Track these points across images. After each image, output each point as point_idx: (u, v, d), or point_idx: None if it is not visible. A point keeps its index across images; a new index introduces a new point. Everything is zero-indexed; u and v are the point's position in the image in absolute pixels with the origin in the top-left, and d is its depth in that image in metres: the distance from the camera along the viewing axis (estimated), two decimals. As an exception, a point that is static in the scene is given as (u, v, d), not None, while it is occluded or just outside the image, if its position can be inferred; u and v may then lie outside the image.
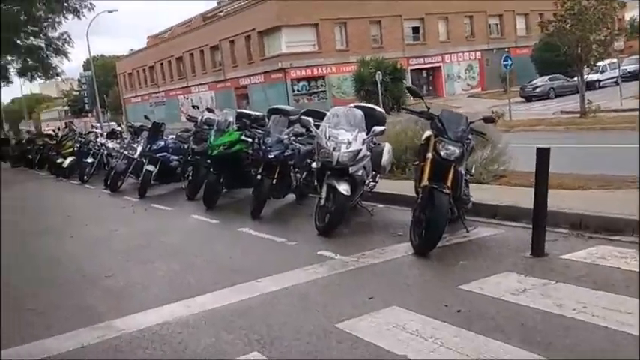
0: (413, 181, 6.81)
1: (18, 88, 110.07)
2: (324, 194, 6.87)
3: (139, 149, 13.08)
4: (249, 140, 9.71)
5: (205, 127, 11.10)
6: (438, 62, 47.73)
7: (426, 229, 5.51)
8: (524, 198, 6.87)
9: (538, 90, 38.87)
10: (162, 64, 57.81)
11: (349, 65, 41.29)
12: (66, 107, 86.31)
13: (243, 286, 5.18)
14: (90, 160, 16.73)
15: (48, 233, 9.13)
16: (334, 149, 6.73)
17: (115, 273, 6.15)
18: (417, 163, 6.07)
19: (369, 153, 7.09)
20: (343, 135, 6.83)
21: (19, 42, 21.73)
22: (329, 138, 6.81)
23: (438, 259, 5.42)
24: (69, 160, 18.20)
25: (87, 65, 57.85)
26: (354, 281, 5.03)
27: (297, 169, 8.95)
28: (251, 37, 43.63)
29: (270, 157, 8.30)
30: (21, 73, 22.32)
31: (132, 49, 68.79)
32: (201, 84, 51.76)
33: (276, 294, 4.88)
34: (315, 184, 7.42)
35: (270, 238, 6.97)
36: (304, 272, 5.37)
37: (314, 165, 7.25)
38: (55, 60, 23.49)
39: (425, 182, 5.60)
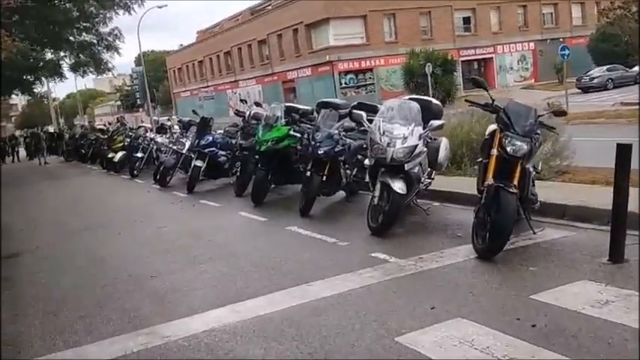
0: (474, 178, 6.37)
1: (73, 83, 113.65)
2: (377, 192, 6.50)
3: (188, 144, 12.99)
4: (298, 135, 9.42)
5: (253, 121, 10.89)
6: (490, 53, 46.44)
7: (490, 231, 5.09)
8: (595, 196, 6.38)
9: (595, 81, 37.25)
10: (210, 58, 58.27)
11: (398, 57, 40.51)
12: (118, 102, 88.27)
13: (294, 290, 4.88)
14: (140, 154, 16.81)
15: (96, 230, 9.07)
16: (389, 145, 6.35)
17: (161, 274, 5.95)
18: (479, 159, 5.63)
19: (425, 149, 6.68)
20: (398, 129, 6.44)
21: (71, 38, 22.06)
22: (383, 133, 6.43)
23: (503, 264, 4.99)
24: (119, 154, 18.38)
25: (138, 61, 58.88)
26: (412, 288, 4.65)
27: (347, 165, 8.61)
28: (298, 30, 43.37)
29: (319, 152, 7.98)
30: (73, 68, 22.70)
31: (181, 45, 69.68)
32: (248, 78, 51.90)
33: (329, 300, 4.55)
34: (368, 181, 7.04)
35: (320, 238, 6.65)
36: (358, 277, 5.03)
37: (366, 162, 6.88)
38: (106, 55, 23.79)
39: (490, 180, 5.17)
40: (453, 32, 44.44)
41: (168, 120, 22.23)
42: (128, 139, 18.15)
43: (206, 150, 11.97)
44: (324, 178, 8.07)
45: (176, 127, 16.45)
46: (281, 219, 8.10)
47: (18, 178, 22.47)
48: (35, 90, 32.07)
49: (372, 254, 5.68)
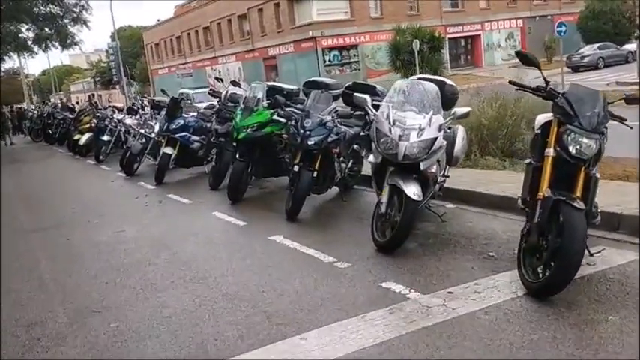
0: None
1: (52, 59, 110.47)
2: (385, 198, 5.13)
3: (157, 127, 11.50)
4: (283, 121, 8.03)
5: (230, 103, 9.44)
6: (477, 31, 45.04)
7: (550, 262, 3.75)
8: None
9: (586, 60, 36.18)
10: (189, 34, 56.08)
11: (384, 34, 39.00)
12: (88, 78, 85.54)
13: (281, 346, 3.53)
14: (106, 137, 15.24)
15: (45, 232, 7.62)
16: (401, 138, 4.98)
17: (107, 307, 4.55)
18: (528, 161, 4.28)
19: (444, 142, 5.31)
20: (412, 119, 5.07)
21: (34, 10, 20.23)
22: (393, 123, 5.05)
23: (568, 308, 3.66)
24: (86, 136, 16.80)
25: (114, 36, 56.58)
26: (450, 350, 3.31)
27: (342, 158, 7.24)
28: (280, 4, 41.46)
29: (310, 143, 6.59)
30: (35, 41, 20.87)
31: (159, 20, 67.15)
32: (228, 54, 49.94)
33: (331, 369, 3.21)
34: (374, 184, 5.67)
35: (313, 254, 5.28)
36: (368, 324, 3.68)
37: (371, 158, 5.48)
38: (73, 29, 21.96)
39: (545, 192, 3.82)
40: (440, 8, 42.91)
41: (142, 97, 20.57)
42: (95, 121, 16.53)
43: (177, 135, 10.49)
44: (315, 174, 6.69)
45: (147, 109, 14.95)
46: (263, 223, 6.72)
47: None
48: (1, 66, 29.95)
49: (383, 284, 4.34)
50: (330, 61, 39.53)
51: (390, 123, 5.05)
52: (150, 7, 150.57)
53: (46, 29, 19.81)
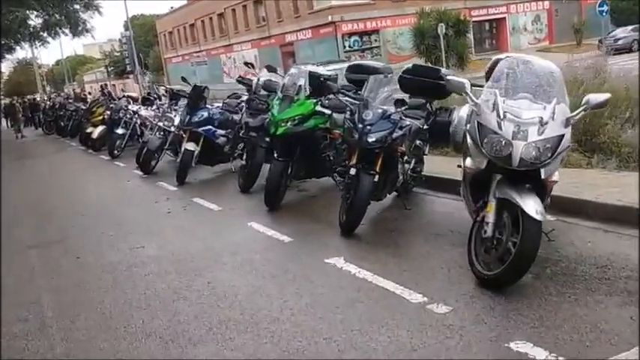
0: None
1: (65, 49, 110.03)
2: (491, 217, 3.84)
3: (177, 120, 10.27)
4: (328, 112, 6.79)
5: (263, 92, 8.18)
6: (503, 13, 43.23)
7: None
8: None
9: (620, 42, 34.22)
10: (203, 21, 54.76)
11: (405, 18, 37.49)
12: (102, 68, 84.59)
13: None
14: (121, 130, 14.07)
15: (48, 247, 6.43)
16: (515, 136, 3.69)
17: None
18: None
19: (570, 141, 4.00)
20: (529, 110, 3.77)
21: (42, -6, 19.06)
22: (504, 116, 3.76)
23: None
24: (99, 129, 15.63)
25: (127, 25, 55.46)
26: None
27: (406, 157, 5.96)
28: (298, -12, 40.06)
29: (371, 140, 5.32)
30: (43, 28, 19.69)
31: (172, 7, 65.82)
32: (244, 42, 48.54)
33: None
34: (468, 197, 4.37)
35: (392, 289, 4.00)
36: None
37: (467, 162, 4.17)
38: (85, 15, 20.75)
39: None
40: (464, -9, 41.19)
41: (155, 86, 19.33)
42: (108, 112, 15.35)
43: (200, 129, 9.27)
44: (377, 177, 5.42)
45: (164, 99, 13.74)
46: (313, 240, 5.49)
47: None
48: (9, 55, 28.86)
49: (512, 345, 3.07)
50: (350, 46, 38.01)
51: (499, 116, 3.75)
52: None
53: (56, 15, 18.61)
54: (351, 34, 38.19)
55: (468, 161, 4.11)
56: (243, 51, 48.89)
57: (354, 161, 5.49)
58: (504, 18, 43.56)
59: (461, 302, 3.68)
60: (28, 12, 18.39)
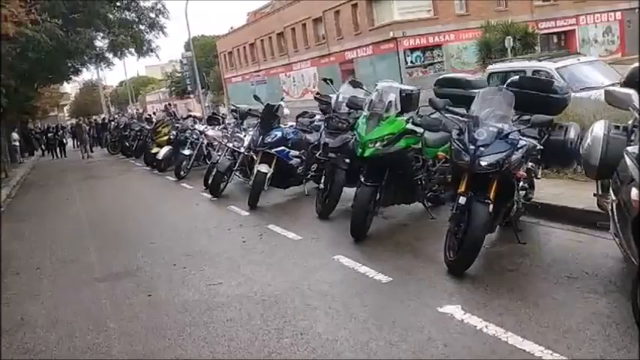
0: None
1: (128, 71, 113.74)
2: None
3: (247, 140, 9.75)
4: (420, 131, 6.08)
5: (344, 110, 7.52)
6: (572, 25, 41.52)
7: None
8: None
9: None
10: (262, 40, 55.03)
11: (469, 32, 36.35)
12: (163, 89, 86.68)
13: None
14: (187, 151, 13.72)
15: (117, 281, 5.90)
16: None
17: None
18: None
19: None
20: None
21: (109, 15, 19.13)
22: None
23: None
24: (164, 150, 15.35)
25: (188, 46, 56.46)
26: None
27: (521, 183, 5.15)
28: (358, 5, 39.49)
29: (484, 164, 4.55)
30: (110, 48, 19.81)
31: (232, 27, 66.76)
32: (303, 60, 48.40)
33: None
34: (629, 237, 3.52)
35: (540, 355, 3.21)
36: None
37: (634, 194, 3.32)
38: (150, 35, 20.77)
39: None
40: (530, 2, 39.78)
41: (216, 106, 19.09)
42: (174, 132, 15.07)
43: (273, 150, 8.68)
44: (491, 206, 4.63)
45: (228, 119, 13.32)
46: (416, 279, 4.73)
47: (52, 175, 19.80)
48: (73, 77, 29.33)
49: None
50: (412, 62, 37.15)
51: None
52: (223, 16, 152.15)
53: (122, 35, 18.65)
54: (413, 50, 37.34)
55: (635, 193, 3.26)
56: (302, 69, 48.78)
57: (463, 188, 4.72)
58: (574, 30, 41.83)
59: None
60: (94, 33, 18.46)
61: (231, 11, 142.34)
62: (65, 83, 47.48)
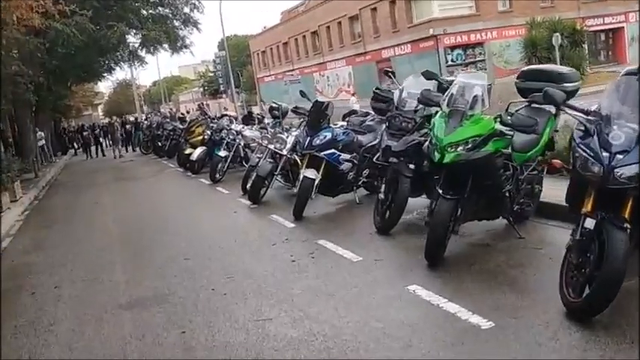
0: None
1: (162, 70, 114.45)
2: None
3: (290, 142, 8.77)
4: (510, 134, 4.99)
5: (409, 108, 6.46)
6: (621, 22, 39.55)
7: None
8: None
9: None
10: (296, 39, 54.19)
11: (513, 29, 35.00)
12: (196, 88, 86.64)
13: None
14: (223, 153, 12.82)
15: (146, 309, 4.93)
16: None
17: None
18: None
19: None
20: None
21: (143, 11, 18.43)
22: None
23: None
24: (198, 151, 14.47)
25: (221, 45, 56.00)
26: None
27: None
28: (396, 2, 38.31)
29: (624, 176, 3.46)
30: (142, 44, 19.09)
31: (265, 27, 66.11)
32: (337, 59, 47.38)
33: None
34: None
35: None
36: None
37: None
38: (184, 32, 20.06)
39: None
40: (577, -2, 38.10)
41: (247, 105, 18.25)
42: (209, 132, 14.17)
43: (322, 153, 7.66)
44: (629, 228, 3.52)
45: (267, 119, 12.35)
46: (527, 326, 3.62)
47: (83, 175, 19.15)
48: (106, 75, 28.89)
49: None
50: (452, 60, 35.81)
51: None
52: (256, 14, 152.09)
53: (155, 31, 17.91)
54: (453, 48, 36.00)
55: None
56: (337, 68, 47.79)
57: (589, 207, 3.62)
58: (622, 27, 39.89)
59: None
60: (127, 29, 17.73)
61: (265, 10, 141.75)
62: (99, 82, 47.41)
